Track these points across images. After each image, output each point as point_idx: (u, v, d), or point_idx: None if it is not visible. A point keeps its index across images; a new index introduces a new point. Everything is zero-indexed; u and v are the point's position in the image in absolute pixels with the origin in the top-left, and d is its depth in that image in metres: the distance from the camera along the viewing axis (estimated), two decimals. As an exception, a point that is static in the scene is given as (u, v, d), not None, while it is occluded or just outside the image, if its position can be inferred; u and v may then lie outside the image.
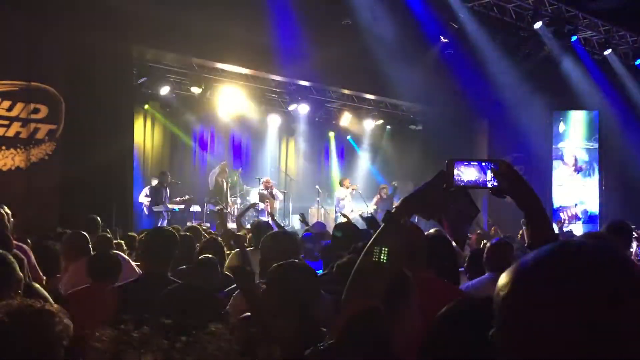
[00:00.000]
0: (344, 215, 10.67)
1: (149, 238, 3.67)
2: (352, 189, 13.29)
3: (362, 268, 1.80)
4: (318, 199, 14.23)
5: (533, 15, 11.12)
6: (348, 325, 1.74)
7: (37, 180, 8.86)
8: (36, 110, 9.01)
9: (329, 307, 3.16)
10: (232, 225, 11.39)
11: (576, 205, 14.37)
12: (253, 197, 12.53)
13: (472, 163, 1.76)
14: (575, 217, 14.24)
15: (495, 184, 1.73)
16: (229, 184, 12.11)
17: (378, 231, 1.88)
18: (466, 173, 1.76)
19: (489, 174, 1.74)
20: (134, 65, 10.86)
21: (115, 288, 3.28)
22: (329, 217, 13.57)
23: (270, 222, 8.24)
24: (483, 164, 1.75)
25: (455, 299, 2.18)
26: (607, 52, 12.58)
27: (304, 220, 8.22)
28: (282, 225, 8.81)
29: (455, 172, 1.76)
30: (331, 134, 15.98)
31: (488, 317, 1.12)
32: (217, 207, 10.55)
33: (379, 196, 13.52)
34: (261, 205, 12.34)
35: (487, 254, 3.90)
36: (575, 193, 14.39)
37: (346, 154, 16.61)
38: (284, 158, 15.66)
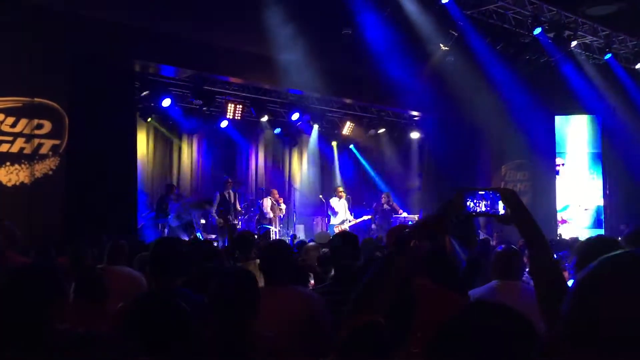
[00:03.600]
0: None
1: (153, 251, 3.48)
2: (344, 197, 13.36)
3: (370, 284, 1.83)
4: (322, 208, 14.24)
5: (532, 22, 11.14)
6: (350, 339, 1.76)
7: (42, 195, 8.89)
8: (40, 126, 9.06)
9: (327, 317, 3.17)
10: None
11: (579, 207, 14.34)
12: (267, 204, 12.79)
13: (479, 193, 1.83)
14: (563, 222, 14.22)
15: (502, 212, 1.80)
16: (236, 197, 12.21)
17: (387, 253, 1.92)
18: (475, 202, 1.83)
19: (498, 204, 1.82)
20: (136, 78, 10.93)
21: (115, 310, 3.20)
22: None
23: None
24: (490, 193, 1.83)
25: (456, 304, 2.21)
26: (607, 56, 12.59)
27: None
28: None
29: (465, 201, 1.83)
30: (334, 144, 16.00)
31: (500, 324, 1.14)
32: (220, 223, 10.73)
33: (381, 203, 13.59)
34: (271, 215, 12.54)
35: (494, 261, 3.86)
36: (579, 198, 14.36)
37: (349, 162, 16.63)
38: (287, 168, 15.68)
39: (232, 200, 11.92)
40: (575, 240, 9.31)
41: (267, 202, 12.74)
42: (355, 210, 13.60)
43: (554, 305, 1.63)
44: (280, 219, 13.04)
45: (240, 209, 12.33)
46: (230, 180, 12.12)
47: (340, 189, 13.43)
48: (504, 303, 1.22)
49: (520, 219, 1.78)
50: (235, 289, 2.56)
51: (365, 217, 13.24)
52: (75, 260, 5.29)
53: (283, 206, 13.02)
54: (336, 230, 11.93)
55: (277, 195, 12.89)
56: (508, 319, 1.16)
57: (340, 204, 13.13)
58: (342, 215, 13.03)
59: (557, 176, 14.41)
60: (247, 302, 2.54)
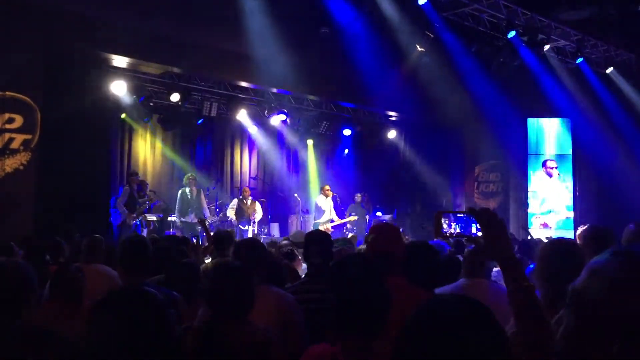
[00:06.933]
0: None
1: (123, 248, 3.61)
2: (331, 196, 13.26)
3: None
4: (297, 207, 14.23)
5: (507, 25, 11.30)
6: None
7: (12, 190, 8.75)
8: (11, 120, 8.91)
9: (300, 316, 3.20)
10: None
11: (550, 211, 14.59)
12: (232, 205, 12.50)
13: (457, 215, 1.87)
14: (545, 226, 14.46)
15: (478, 234, 1.80)
16: (200, 193, 12.03)
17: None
18: (449, 224, 1.87)
19: (471, 227, 1.84)
20: (110, 74, 10.80)
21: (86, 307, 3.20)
22: (309, 225, 13.58)
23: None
24: (464, 216, 1.86)
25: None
26: (579, 60, 12.83)
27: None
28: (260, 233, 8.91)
29: (442, 222, 1.85)
30: (310, 142, 16.01)
31: (460, 315, 1.17)
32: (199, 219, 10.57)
33: (353, 203, 13.62)
34: (237, 220, 12.27)
35: (463, 260, 3.94)
36: (549, 199, 14.61)
37: (324, 162, 16.67)
38: (262, 166, 15.66)
39: (194, 198, 11.75)
40: (537, 242, 9.24)
41: (230, 210, 12.34)
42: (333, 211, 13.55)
43: (529, 331, 1.66)
44: (251, 221, 12.41)
45: (204, 205, 12.09)
46: (191, 177, 11.95)
47: (327, 187, 13.29)
48: (462, 295, 1.25)
49: (494, 243, 1.75)
50: (236, 283, 2.58)
51: (352, 218, 13.09)
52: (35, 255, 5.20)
53: (257, 206, 12.58)
54: (321, 229, 11.82)
55: (246, 194, 12.50)
56: (465, 308, 1.19)
57: (326, 203, 13.04)
58: (327, 214, 12.97)
59: (550, 178, 14.62)
60: (247, 296, 2.56)
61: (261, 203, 13.32)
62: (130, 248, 3.52)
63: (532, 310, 1.68)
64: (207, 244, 6.08)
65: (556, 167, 14.63)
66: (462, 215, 1.82)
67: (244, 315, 2.53)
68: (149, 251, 3.52)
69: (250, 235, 11.49)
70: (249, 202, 12.41)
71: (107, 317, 1.65)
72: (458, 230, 2.06)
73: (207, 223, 10.96)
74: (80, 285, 3.37)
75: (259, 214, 12.56)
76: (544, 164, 14.68)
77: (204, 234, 7.06)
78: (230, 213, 12.25)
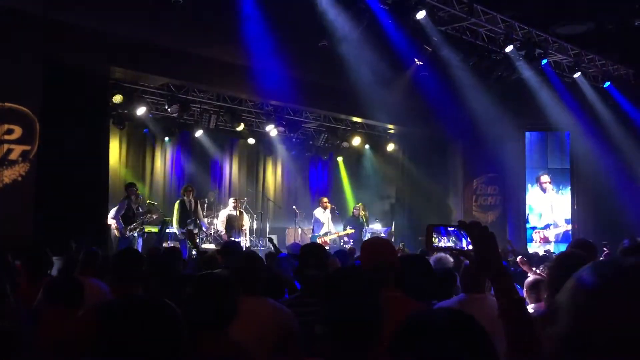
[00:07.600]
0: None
1: (116, 259, 3.67)
2: (330, 209, 13.26)
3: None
4: (295, 219, 14.22)
5: (504, 39, 11.37)
6: None
7: (11, 202, 8.73)
8: (10, 131, 8.92)
9: (296, 329, 3.19)
10: (209, 245, 11.37)
11: (549, 225, 14.58)
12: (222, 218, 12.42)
13: (449, 229, 1.86)
14: (545, 240, 14.45)
15: (469, 248, 1.81)
16: (197, 204, 11.99)
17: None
18: (439, 238, 1.86)
19: (462, 241, 1.83)
20: (111, 85, 10.84)
21: (86, 313, 3.22)
22: (306, 237, 13.57)
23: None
24: (459, 231, 1.85)
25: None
26: (577, 75, 12.90)
27: (272, 244, 8.27)
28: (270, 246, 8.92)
29: (434, 236, 1.85)
30: (308, 155, 16.05)
31: (447, 327, 1.18)
32: (187, 228, 10.54)
33: (354, 215, 13.60)
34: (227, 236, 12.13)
35: (462, 275, 3.92)
36: (548, 213, 14.62)
37: (323, 174, 16.70)
38: (261, 178, 15.67)
39: (192, 208, 11.71)
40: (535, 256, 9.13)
41: (220, 224, 12.03)
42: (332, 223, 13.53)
43: (519, 344, 1.66)
44: (242, 233, 12.24)
45: (203, 216, 12.06)
46: (190, 187, 11.91)
47: (325, 199, 13.27)
48: (452, 308, 1.27)
49: (484, 256, 1.76)
50: (217, 295, 2.50)
51: (349, 231, 13.05)
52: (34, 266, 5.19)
53: (245, 218, 12.39)
54: (319, 242, 11.79)
55: (233, 205, 12.19)
56: (453, 320, 1.20)
57: (325, 216, 13.03)
58: (326, 227, 12.96)
59: (544, 194, 14.65)
60: (225, 308, 2.50)
61: (259, 215, 13.32)
62: (123, 259, 3.56)
63: (521, 324, 1.68)
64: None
65: (550, 182, 14.65)
66: (453, 228, 1.82)
67: (219, 328, 2.46)
68: (141, 263, 3.56)
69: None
70: (237, 213, 12.30)
71: (117, 324, 1.61)
72: (450, 243, 2.07)
73: (197, 238, 10.91)
74: (79, 292, 3.38)
75: (246, 225, 12.48)
76: (537, 180, 14.71)
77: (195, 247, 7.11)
78: (220, 226, 12.10)
